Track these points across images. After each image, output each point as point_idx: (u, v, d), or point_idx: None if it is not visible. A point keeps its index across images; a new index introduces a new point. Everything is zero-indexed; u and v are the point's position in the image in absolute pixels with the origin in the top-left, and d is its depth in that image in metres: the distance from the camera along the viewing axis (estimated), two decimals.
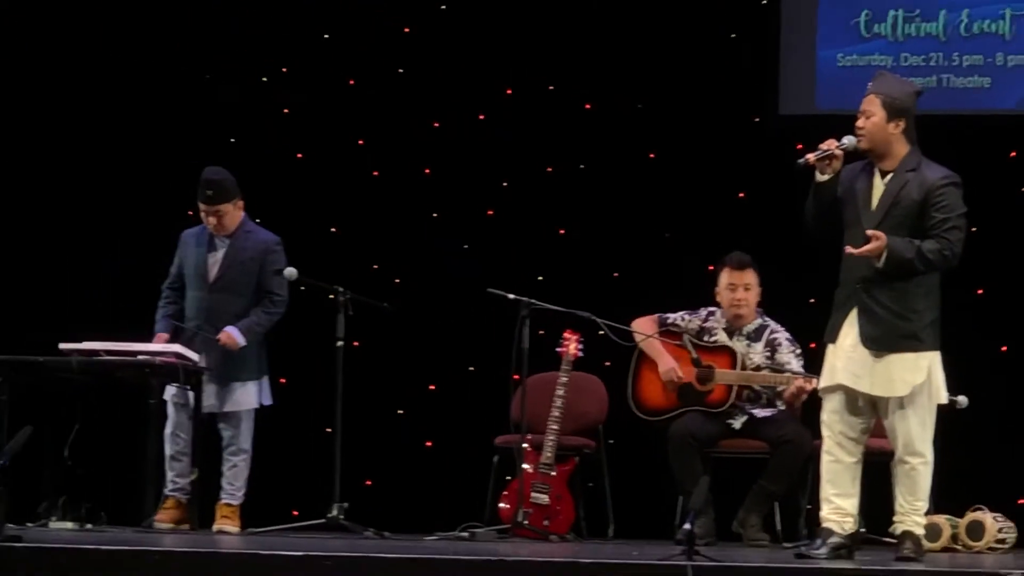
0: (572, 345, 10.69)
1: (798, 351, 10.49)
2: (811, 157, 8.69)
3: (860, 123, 8.73)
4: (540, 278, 11.52)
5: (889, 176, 8.76)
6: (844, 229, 8.79)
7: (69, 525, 10.28)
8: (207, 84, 12.47)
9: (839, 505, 8.80)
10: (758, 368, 10.49)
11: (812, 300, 9.80)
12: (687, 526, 8.17)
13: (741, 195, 11.83)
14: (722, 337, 10.61)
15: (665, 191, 12.04)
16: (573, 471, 10.72)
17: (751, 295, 10.55)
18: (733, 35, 12.07)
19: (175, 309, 10.82)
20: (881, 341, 8.66)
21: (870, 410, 8.78)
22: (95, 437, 10.76)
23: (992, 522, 10.14)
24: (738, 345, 10.53)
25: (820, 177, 8.72)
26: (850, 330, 8.77)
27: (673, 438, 10.37)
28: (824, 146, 8.68)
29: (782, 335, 10.59)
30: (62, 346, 10.43)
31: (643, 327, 10.70)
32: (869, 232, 8.60)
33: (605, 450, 11.11)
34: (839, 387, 8.76)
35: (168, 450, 10.73)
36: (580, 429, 10.95)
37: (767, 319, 10.65)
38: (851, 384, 8.73)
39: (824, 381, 8.90)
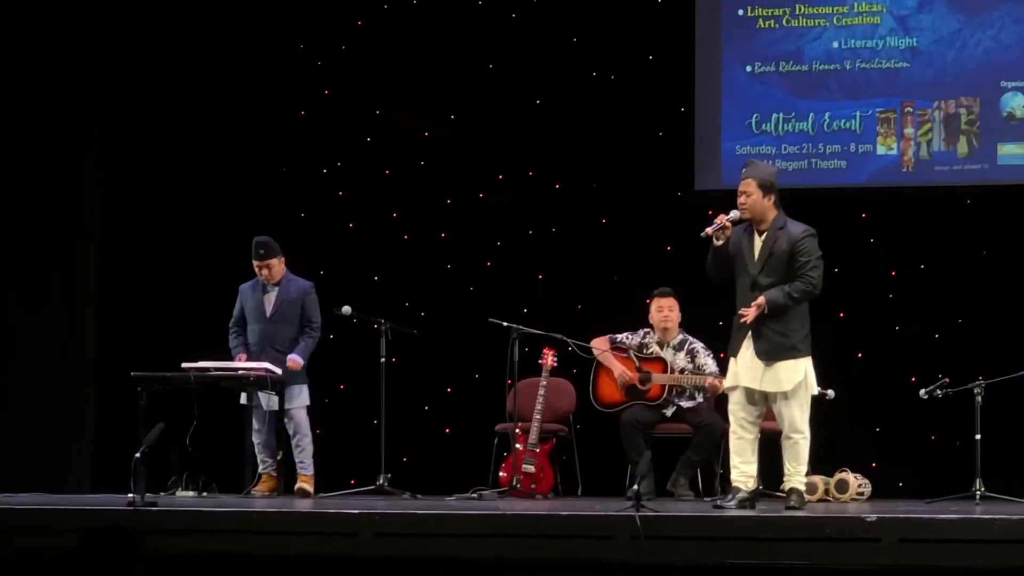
0: (549, 358, 10.63)
1: (711, 354, 10.47)
2: (710, 230, 8.74)
3: (741, 200, 8.77)
4: (525, 310, 11.43)
5: (764, 234, 8.76)
6: (736, 276, 8.79)
7: (190, 494, 10.35)
8: (284, 176, 12.42)
9: (744, 470, 8.81)
10: (683, 371, 10.45)
11: (720, 323, 9.68)
12: (635, 487, 8.23)
13: (668, 248, 11.74)
14: (656, 349, 10.60)
15: (614, 246, 11.96)
16: (552, 448, 10.66)
17: (673, 314, 10.56)
18: (660, 133, 12.00)
19: (242, 340, 10.81)
20: (770, 353, 8.67)
21: (763, 401, 8.81)
22: (207, 429, 10.65)
23: (854, 480, 10.15)
24: (667, 355, 10.52)
25: (716, 243, 8.71)
26: (748, 345, 8.74)
27: (623, 424, 10.38)
28: (718, 221, 8.71)
29: (698, 345, 10.57)
30: (184, 365, 10.41)
31: (599, 344, 10.69)
32: (753, 303, 8.67)
33: (575, 433, 11.02)
34: (740, 387, 8.77)
35: (255, 439, 10.69)
36: (556, 418, 10.87)
37: (687, 335, 10.62)
38: (749, 384, 8.75)
39: (729, 382, 8.94)
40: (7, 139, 12.10)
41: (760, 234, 8.80)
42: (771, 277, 8.73)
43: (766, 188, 8.79)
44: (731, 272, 8.88)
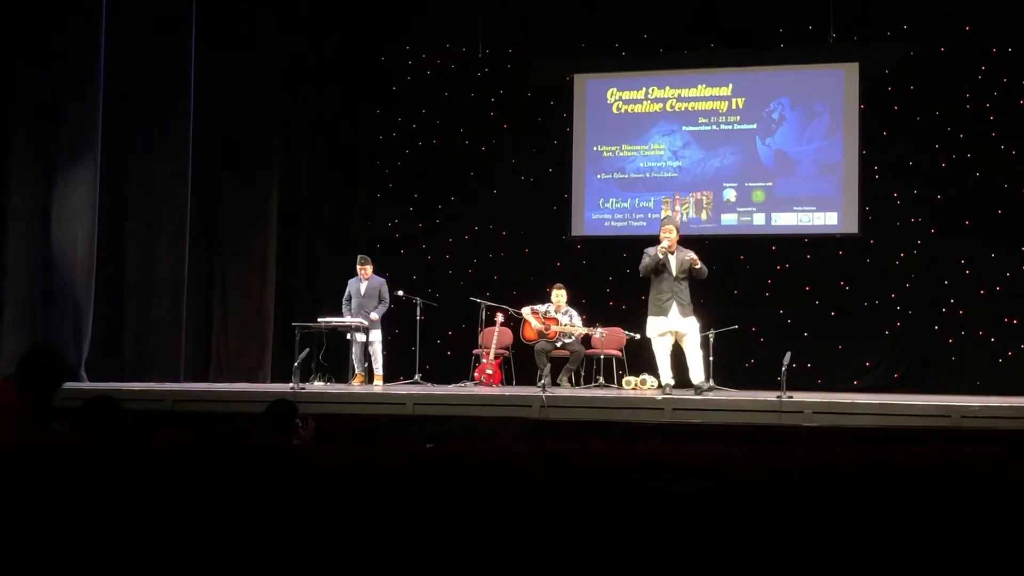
0: (500, 317, 10.37)
1: (580, 318, 10.15)
2: (662, 251, 8.38)
3: (669, 237, 8.41)
4: (488, 294, 10.89)
5: (676, 252, 8.47)
6: (658, 274, 8.43)
7: (321, 383, 10.01)
8: (373, 226, 11.92)
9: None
10: (565, 325, 10.14)
11: (583, 301, 9.41)
12: (542, 381, 8.39)
13: (559, 264, 11.44)
14: (552, 313, 10.27)
15: (533, 262, 11.62)
16: (500, 362, 10.36)
17: (562, 295, 10.22)
18: (555, 207, 11.63)
19: (349, 307, 10.25)
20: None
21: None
22: (330, 351, 10.41)
23: (650, 378, 9.65)
24: (559, 316, 10.25)
25: (662, 257, 8.40)
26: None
27: (536, 350, 10.08)
28: (667, 245, 8.37)
29: (574, 312, 10.20)
30: (319, 319, 10.12)
31: (526, 311, 10.35)
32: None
33: (512, 354, 10.67)
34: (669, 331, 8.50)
35: (353, 357, 10.18)
36: (503, 346, 10.50)
37: (568, 307, 10.31)
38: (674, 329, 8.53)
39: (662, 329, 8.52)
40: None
41: (674, 254, 8.51)
42: (684, 275, 8.49)
43: (677, 230, 8.56)
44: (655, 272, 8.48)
